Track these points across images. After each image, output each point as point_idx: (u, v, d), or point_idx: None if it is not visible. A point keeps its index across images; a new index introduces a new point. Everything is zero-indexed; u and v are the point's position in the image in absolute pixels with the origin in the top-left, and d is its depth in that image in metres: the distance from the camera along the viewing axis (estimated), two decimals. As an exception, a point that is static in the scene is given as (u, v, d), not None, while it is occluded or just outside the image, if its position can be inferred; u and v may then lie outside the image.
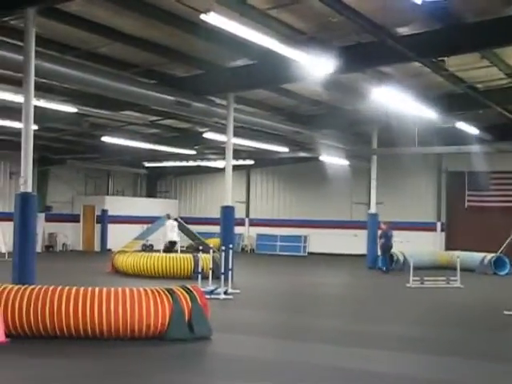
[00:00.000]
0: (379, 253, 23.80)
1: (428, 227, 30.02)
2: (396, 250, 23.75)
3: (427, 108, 18.29)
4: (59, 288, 9.70)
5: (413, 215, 30.12)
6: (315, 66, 13.78)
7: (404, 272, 20.95)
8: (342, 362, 8.63)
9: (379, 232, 23.98)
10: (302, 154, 28.23)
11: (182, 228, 25.16)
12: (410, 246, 25.17)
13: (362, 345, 9.87)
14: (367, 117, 22.13)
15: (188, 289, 10.05)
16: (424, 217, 30.22)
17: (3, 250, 26.63)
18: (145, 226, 27.78)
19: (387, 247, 23.24)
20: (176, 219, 25.12)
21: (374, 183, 25.36)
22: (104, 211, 33.04)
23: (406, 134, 23.62)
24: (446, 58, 15.04)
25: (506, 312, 12.96)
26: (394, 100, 17.00)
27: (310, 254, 32.51)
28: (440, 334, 11.13)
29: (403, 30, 13.64)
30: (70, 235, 33.34)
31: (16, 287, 9.92)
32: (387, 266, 22.88)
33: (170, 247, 23.27)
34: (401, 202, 30.43)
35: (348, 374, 8.01)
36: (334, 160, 28.31)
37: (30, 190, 12.14)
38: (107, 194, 34.79)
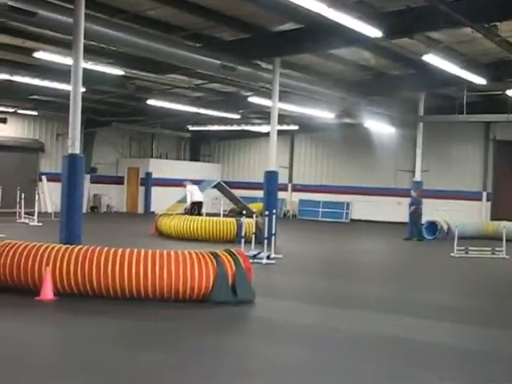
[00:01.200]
0: (409, 220, 23.58)
1: (473, 196, 29.54)
2: (440, 218, 23.54)
3: (476, 75, 17.91)
4: (105, 249, 9.86)
5: (458, 184, 29.73)
6: (363, 31, 13.55)
7: (447, 241, 20.75)
8: (380, 329, 8.60)
9: (410, 199, 23.79)
10: (347, 121, 27.97)
11: (224, 192, 25.30)
12: (455, 214, 24.89)
13: (401, 312, 9.85)
14: (414, 83, 21.73)
15: (232, 253, 10.11)
16: (470, 186, 29.75)
17: (50, 210, 27.17)
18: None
19: (418, 215, 23.07)
20: (219, 183, 25.24)
21: (419, 151, 25.01)
22: (148, 174, 33.37)
23: (454, 101, 23.23)
24: (498, 24, 14.65)
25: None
26: (442, 66, 16.69)
27: (353, 220, 32.41)
28: (480, 304, 11.04)
29: (455, -5, 13.32)
30: (114, 197, 33.78)
31: (64, 247, 10.11)
32: (416, 234, 22.79)
33: (197, 208, 23.41)
34: (446, 171, 30.05)
35: (386, 341, 8.01)
36: (379, 127, 28.00)
37: (77, 151, 12.30)
38: (151, 157, 35.06)
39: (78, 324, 8.42)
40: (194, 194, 23.41)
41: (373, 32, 13.55)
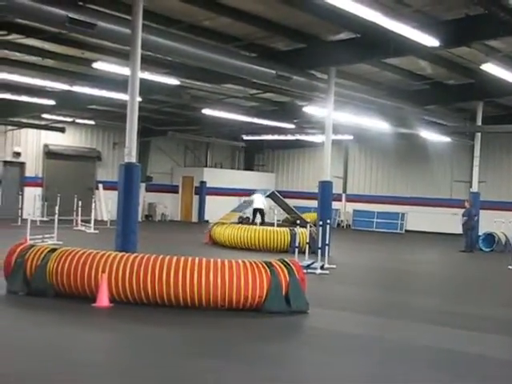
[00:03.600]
0: (462, 231, 23.15)
1: (532, 208, 28.87)
2: (498, 230, 23.07)
3: (537, 84, 17.52)
4: (160, 257, 9.93)
5: (517, 195, 29.06)
6: (419, 40, 13.40)
7: (506, 253, 20.29)
8: (434, 342, 8.46)
9: (463, 210, 23.36)
10: (403, 130, 27.67)
11: (278, 201, 25.29)
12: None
13: (455, 325, 9.68)
14: (472, 92, 21.39)
15: (286, 262, 10.08)
16: (528, 197, 29.05)
17: (105, 218, 27.60)
18: (242, 199, 28.07)
19: (470, 226, 22.66)
20: (273, 192, 25.27)
21: (476, 161, 24.56)
22: (202, 183, 33.60)
23: (513, 111, 22.81)
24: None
25: None
26: (501, 75, 16.37)
27: (407, 231, 31.98)
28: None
29: (516, 2, 13.04)
30: (168, 205, 34.11)
31: (120, 254, 10.23)
32: (469, 245, 22.38)
33: (259, 216, 23.79)
34: (504, 182, 29.40)
35: (439, 353, 7.86)
36: (435, 136, 27.62)
37: (133, 160, 12.47)
38: (206, 166, 35.33)
39: (133, 331, 8.50)
40: (255, 201, 23.66)
41: (429, 41, 13.40)
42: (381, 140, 31.00)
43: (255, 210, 24.05)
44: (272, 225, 22.69)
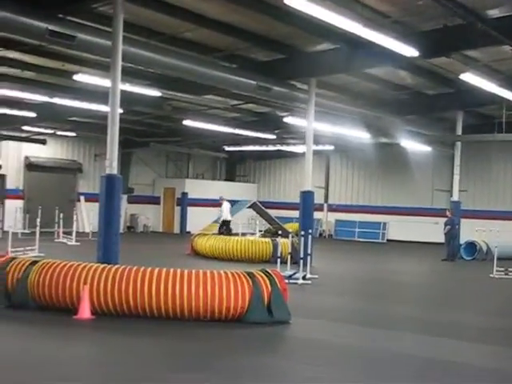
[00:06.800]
0: (444, 240, 23.34)
1: (513, 216, 29.11)
2: (479, 239, 23.23)
3: (515, 93, 17.70)
4: (142, 268, 9.92)
5: (498, 204, 29.27)
6: (399, 50, 13.51)
7: (487, 262, 20.44)
8: (416, 350, 8.54)
9: (445, 219, 23.54)
10: (383, 140, 27.82)
11: (260, 212, 25.29)
12: (494, 235, 24.51)
13: (438, 333, 9.74)
14: (451, 102, 21.58)
15: (268, 273, 10.09)
16: (509, 205, 29.25)
17: (87, 230, 27.46)
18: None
19: (452, 235, 22.83)
20: (255, 203, 25.27)
21: (457, 170, 24.78)
22: (184, 194, 33.56)
23: (492, 120, 22.98)
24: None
25: None
26: (480, 85, 16.54)
27: (389, 240, 32.10)
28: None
29: (493, 13, 13.21)
30: (150, 217, 34.02)
31: (101, 266, 10.20)
32: (451, 254, 22.59)
33: (225, 226, 23.79)
34: (485, 190, 29.65)
35: (423, 362, 7.92)
36: (415, 146, 27.79)
37: (115, 172, 12.42)
38: (187, 177, 35.29)
39: (114, 343, 8.46)
40: (224, 212, 23.84)
41: (409, 51, 13.49)
42: (362, 150, 31.16)
43: (224, 222, 24.00)
44: (254, 235, 22.70)
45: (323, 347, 8.67)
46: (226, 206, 24.04)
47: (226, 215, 23.78)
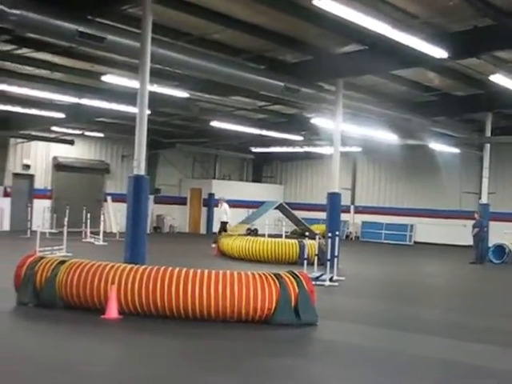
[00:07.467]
0: (473, 243, 23.12)
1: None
2: (508, 242, 22.98)
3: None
4: (169, 269, 9.94)
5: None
6: (428, 52, 13.41)
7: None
8: (443, 354, 8.44)
9: (473, 222, 23.31)
10: (411, 142, 27.64)
11: (287, 213, 25.29)
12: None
13: (466, 338, 9.63)
14: (480, 103, 21.38)
15: (295, 274, 10.07)
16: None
17: (114, 230, 27.63)
18: (250, 211, 28.07)
19: (480, 238, 22.60)
20: (281, 204, 25.28)
21: (486, 172, 24.50)
22: (210, 195, 33.62)
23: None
24: None
25: None
26: (510, 86, 16.36)
27: (416, 243, 31.87)
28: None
29: (524, 14, 13.06)
30: (177, 217, 34.15)
31: (128, 266, 10.25)
32: (480, 257, 22.35)
33: (223, 227, 24.49)
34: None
35: (449, 367, 7.84)
36: (443, 148, 27.56)
37: (142, 172, 12.48)
38: (214, 178, 35.36)
39: (142, 343, 8.50)
40: (227, 212, 24.67)
41: (438, 53, 13.40)
42: (389, 151, 30.96)
43: (224, 223, 24.66)
44: (280, 237, 22.67)
45: (350, 349, 8.63)
46: (226, 207, 24.77)
47: (226, 216, 24.63)
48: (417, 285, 16.58)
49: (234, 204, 32.36)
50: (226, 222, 24.72)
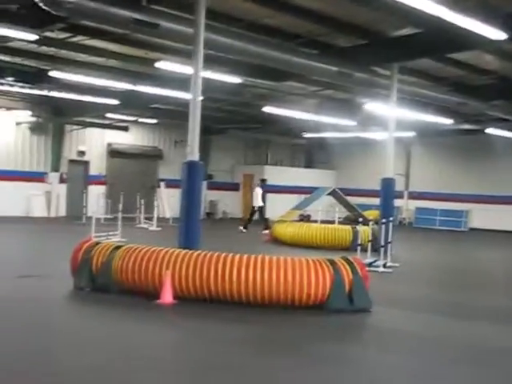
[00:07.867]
0: None
1: None
2: None
3: None
4: (223, 254, 9.98)
5: None
6: (485, 34, 13.09)
7: None
8: (505, 343, 8.28)
9: None
10: (467, 127, 27.12)
11: (339, 199, 25.14)
12: None
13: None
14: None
15: (349, 260, 10.01)
16: None
17: (168, 216, 27.94)
18: (303, 196, 27.99)
19: None
20: (334, 190, 25.16)
21: (544, 157, 23.93)
22: (263, 180, 33.56)
23: None
24: None
25: None
26: None
27: (472, 229, 31.36)
28: None
29: None
30: (229, 203, 34.29)
31: (183, 251, 10.33)
32: None
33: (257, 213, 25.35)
34: None
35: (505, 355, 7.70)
36: (501, 132, 26.97)
37: (196, 158, 12.53)
38: (266, 164, 35.36)
39: (198, 328, 8.57)
40: (259, 197, 25.35)
41: (496, 34, 13.06)
42: (444, 136, 30.47)
43: (254, 208, 25.42)
44: (333, 222, 22.58)
45: (405, 336, 8.55)
46: (257, 191, 25.47)
47: (259, 201, 25.30)
48: (473, 272, 16.32)
49: (286, 190, 32.46)
50: (253, 207, 25.46)
